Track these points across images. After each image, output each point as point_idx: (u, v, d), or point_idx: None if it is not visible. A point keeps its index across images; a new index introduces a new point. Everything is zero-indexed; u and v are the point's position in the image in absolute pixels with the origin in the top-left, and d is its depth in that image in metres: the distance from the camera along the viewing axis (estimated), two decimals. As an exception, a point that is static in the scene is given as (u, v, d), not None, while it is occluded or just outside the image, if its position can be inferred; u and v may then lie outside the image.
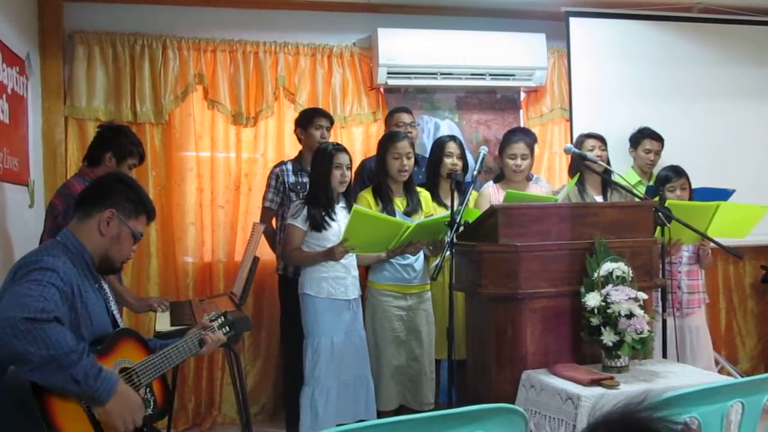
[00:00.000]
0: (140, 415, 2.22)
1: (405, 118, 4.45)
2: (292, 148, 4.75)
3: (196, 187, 4.79)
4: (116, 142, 3.48)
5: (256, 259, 3.65)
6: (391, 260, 3.83)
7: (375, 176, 4.03)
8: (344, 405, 3.66)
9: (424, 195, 4.03)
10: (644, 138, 4.49)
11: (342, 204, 3.81)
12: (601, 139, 4.25)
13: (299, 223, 3.71)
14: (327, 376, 3.64)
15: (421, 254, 3.89)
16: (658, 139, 4.48)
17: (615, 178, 4.04)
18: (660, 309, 3.63)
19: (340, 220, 3.72)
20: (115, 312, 2.47)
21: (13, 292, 2.08)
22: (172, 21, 4.76)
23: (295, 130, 4.43)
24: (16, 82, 3.90)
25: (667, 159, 4.29)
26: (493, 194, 4.08)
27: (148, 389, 2.35)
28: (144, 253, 4.63)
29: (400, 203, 3.92)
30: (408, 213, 3.87)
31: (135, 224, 2.43)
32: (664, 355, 3.49)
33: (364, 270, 4.03)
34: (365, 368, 3.75)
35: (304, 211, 3.71)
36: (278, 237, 4.30)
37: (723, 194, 4.08)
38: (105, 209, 2.37)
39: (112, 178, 2.53)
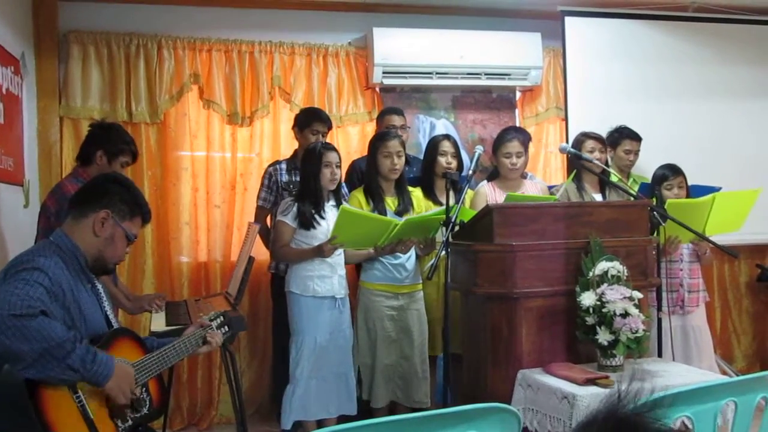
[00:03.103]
0: (134, 380, 2.25)
1: (396, 120, 4.44)
2: (287, 147, 4.75)
3: (191, 187, 4.79)
4: (107, 139, 3.43)
5: (251, 260, 3.65)
6: (383, 260, 3.84)
7: (366, 176, 4.03)
8: (323, 400, 3.68)
9: (415, 194, 4.04)
10: (623, 138, 4.43)
11: (332, 202, 3.82)
12: (600, 141, 4.22)
13: (289, 220, 3.72)
14: (310, 374, 3.66)
15: (412, 254, 3.90)
16: (637, 138, 4.45)
17: (612, 178, 4.04)
18: (656, 308, 3.65)
19: (330, 218, 3.73)
20: (109, 312, 2.46)
21: (0, 291, 2.08)
22: (167, 21, 4.75)
23: (293, 128, 4.42)
24: (11, 81, 3.89)
25: (663, 158, 4.28)
26: (489, 193, 4.07)
27: (144, 389, 2.35)
28: (139, 253, 4.62)
29: (391, 202, 3.93)
30: (399, 212, 3.88)
31: (129, 226, 2.43)
32: (659, 354, 3.50)
33: (355, 269, 4.03)
34: (347, 366, 3.76)
35: (294, 209, 3.72)
36: (271, 236, 4.30)
37: (711, 192, 4.09)
38: (100, 210, 2.37)
39: (108, 179, 2.52)
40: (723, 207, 3.75)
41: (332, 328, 3.72)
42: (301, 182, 3.88)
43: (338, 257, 3.76)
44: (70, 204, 2.45)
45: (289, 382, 3.70)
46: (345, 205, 3.57)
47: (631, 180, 4.44)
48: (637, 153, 4.45)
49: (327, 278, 3.72)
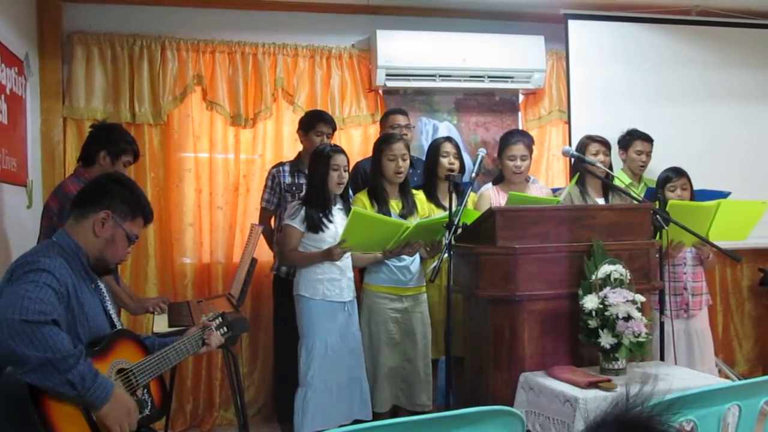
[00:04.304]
0: (135, 418, 2.23)
1: (400, 120, 4.45)
2: (290, 149, 4.75)
3: (194, 188, 4.79)
4: (109, 140, 3.44)
5: (254, 261, 3.65)
6: (388, 262, 3.84)
7: (370, 178, 4.03)
8: (338, 406, 3.65)
9: (419, 197, 4.04)
10: (635, 140, 4.46)
11: (339, 206, 3.82)
12: (605, 144, 4.23)
13: (296, 223, 3.71)
14: (321, 378, 3.64)
15: (417, 256, 3.90)
16: (648, 140, 4.47)
17: (615, 181, 4.04)
18: (659, 311, 3.64)
19: (337, 221, 3.73)
20: (112, 312, 2.46)
21: (10, 293, 2.08)
22: (170, 22, 4.76)
23: (297, 130, 4.43)
24: (15, 82, 3.89)
25: (667, 161, 4.29)
26: (492, 196, 4.08)
27: (145, 390, 2.35)
28: (142, 254, 4.62)
29: (395, 205, 3.92)
30: (404, 215, 3.88)
31: (130, 226, 2.42)
32: (662, 358, 3.50)
33: (360, 272, 4.03)
34: (360, 369, 3.75)
35: (302, 212, 3.72)
36: (276, 237, 4.31)
37: (719, 196, 4.09)
38: (100, 210, 2.36)
39: (109, 179, 2.52)
40: (728, 215, 3.73)
41: (342, 332, 3.71)
42: (308, 185, 3.87)
43: (346, 260, 3.75)
44: (72, 204, 2.45)
45: (300, 386, 3.67)
46: (356, 208, 3.56)
47: (642, 184, 4.44)
48: (648, 154, 4.46)
49: (336, 281, 3.71)
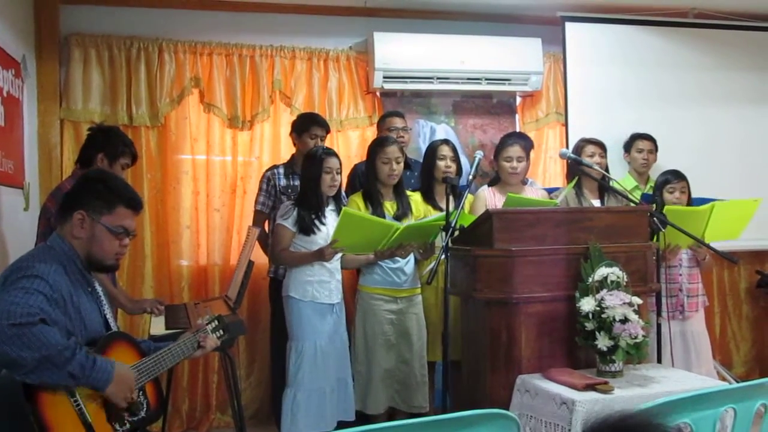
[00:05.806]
0: (134, 386, 2.27)
1: (397, 122, 4.45)
2: (287, 151, 4.75)
3: (191, 190, 4.78)
4: (107, 142, 3.45)
5: (251, 264, 3.65)
6: (382, 264, 3.84)
7: (365, 181, 4.04)
8: (325, 408, 3.66)
9: (414, 199, 4.05)
10: (635, 140, 4.58)
11: (331, 207, 3.83)
12: (601, 146, 4.26)
13: (289, 224, 3.73)
14: (310, 380, 3.64)
15: (411, 258, 3.90)
16: (649, 138, 4.55)
17: (612, 183, 4.05)
18: (655, 313, 3.65)
19: (329, 223, 3.74)
20: (108, 315, 2.46)
21: (0, 300, 2.08)
22: (168, 24, 4.76)
23: (290, 133, 4.43)
24: (12, 84, 3.89)
25: (663, 164, 4.30)
26: (488, 197, 4.08)
27: (140, 392, 2.35)
28: (139, 256, 4.62)
29: (390, 207, 3.93)
30: (398, 217, 3.88)
31: (110, 219, 2.36)
32: (659, 360, 3.50)
33: (355, 273, 4.03)
34: (346, 371, 3.76)
35: (294, 213, 3.73)
36: (270, 240, 4.31)
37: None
38: (74, 212, 2.34)
39: (82, 179, 2.49)
40: (721, 215, 3.74)
41: (330, 334, 3.72)
42: (301, 187, 3.88)
43: (336, 262, 3.76)
44: (57, 209, 2.45)
45: (288, 387, 3.68)
46: (346, 208, 3.57)
47: (648, 186, 4.45)
48: (650, 152, 4.53)
49: (326, 283, 3.72)
